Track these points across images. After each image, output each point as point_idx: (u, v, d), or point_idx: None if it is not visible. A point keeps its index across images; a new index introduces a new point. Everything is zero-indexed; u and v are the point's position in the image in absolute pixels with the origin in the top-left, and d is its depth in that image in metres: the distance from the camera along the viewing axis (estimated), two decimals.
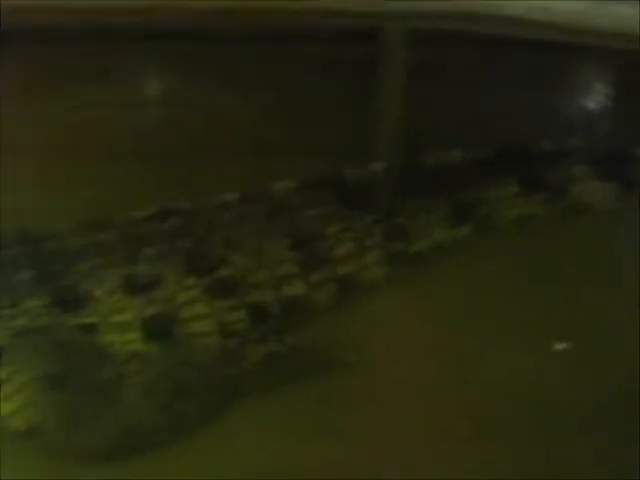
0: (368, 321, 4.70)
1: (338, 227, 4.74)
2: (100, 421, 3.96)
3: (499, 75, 7.02)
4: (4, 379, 3.99)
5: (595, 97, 6.93)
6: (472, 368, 4.43)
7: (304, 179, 4.95)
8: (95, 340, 4.14)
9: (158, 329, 4.22)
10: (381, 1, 7.78)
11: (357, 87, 7.18)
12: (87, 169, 6.04)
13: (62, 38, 7.88)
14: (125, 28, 7.74)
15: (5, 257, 4.25)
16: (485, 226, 5.17)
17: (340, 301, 4.73)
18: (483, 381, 4.35)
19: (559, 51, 7.05)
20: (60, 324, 4.11)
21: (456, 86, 6.90)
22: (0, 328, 4.06)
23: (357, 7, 7.74)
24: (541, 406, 4.19)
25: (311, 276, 4.61)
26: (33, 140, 6.58)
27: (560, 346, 4.48)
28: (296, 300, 4.55)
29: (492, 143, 5.48)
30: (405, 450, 4.02)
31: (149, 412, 4.01)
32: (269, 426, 4.13)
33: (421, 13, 7.61)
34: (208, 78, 7.54)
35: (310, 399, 4.23)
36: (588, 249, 5.12)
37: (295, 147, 6.28)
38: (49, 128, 6.79)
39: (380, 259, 4.85)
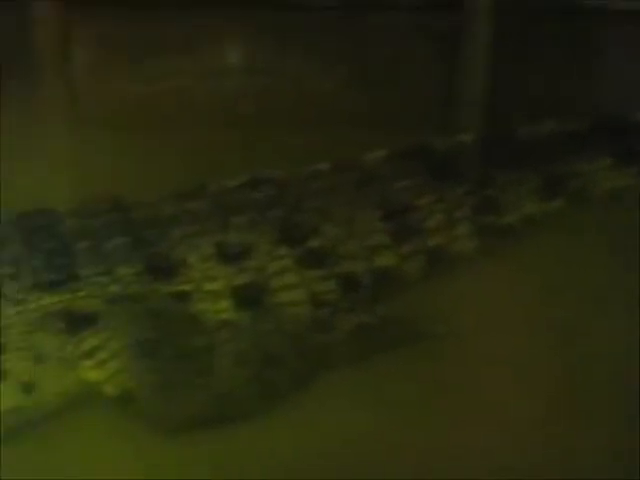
0: (457, 293, 4.68)
1: (429, 199, 4.70)
2: (192, 389, 3.98)
3: (595, 46, 6.90)
4: (98, 345, 4.02)
5: None
6: (562, 339, 4.38)
7: (394, 150, 4.92)
8: (187, 308, 4.15)
9: (249, 298, 4.23)
10: None
11: (446, 57, 7.12)
12: (180, 138, 6.07)
13: (147, 6, 7.93)
14: None
15: (99, 224, 4.28)
16: (577, 199, 5.09)
17: (429, 273, 4.70)
18: (575, 352, 4.31)
19: None
20: (153, 292, 4.13)
21: (550, 58, 6.80)
22: (94, 295, 4.07)
23: None
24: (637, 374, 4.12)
25: (401, 247, 4.58)
26: (122, 110, 6.63)
27: None
28: (386, 271, 4.53)
29: (586, 115, 5.39)
30: (494, 422, 3.99)
31: (240, 381, 4.02)
32: (358, 397, 4.12)
33: None
34: (295, 48, 7.53)
35: (399, 370, 4.20)
36: None
37: (385, 118, 6.25)
38: (140, 97, 6.83)
39: (470, 231, 4.81)
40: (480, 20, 7.69)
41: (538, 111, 5.59)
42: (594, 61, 6.89)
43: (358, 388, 4.15)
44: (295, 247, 4.35)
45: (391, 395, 4.11)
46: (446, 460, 3.80)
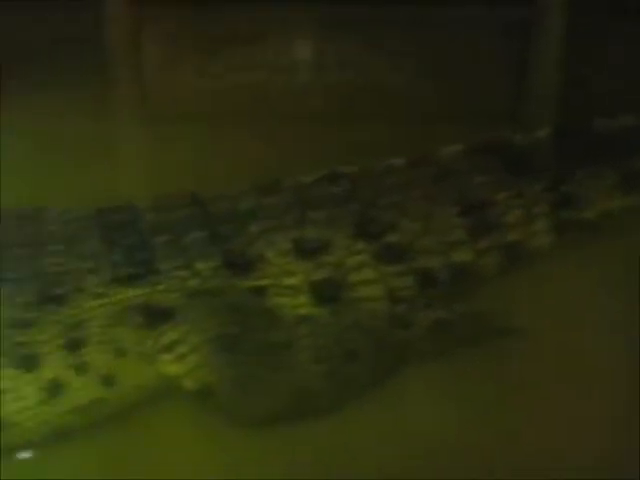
0: (535, 289, 4.64)
1: (506, 194, 4.66)
2: (270, 384, 3.99)
3: None
4: (178, 340, 4.05)
5: None
6: None
7: (471, 145, 4.88)
8: (265, 303, 4.15)
9: (327, 293, 4.22)
10: None
11: (523, 51, 7.06)
12: (254, 133, 6.09)
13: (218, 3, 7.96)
14: None
15: (177, 219, 4.30)
16: None
17: (507, 268, 4.66)
18: None
19: None
20: (231, 286, 4.14)
21: (627, 52, 6.72)
22: (173, 289, 4.10)
23: None
24: None
25: (479, 243, 4.55)
26: (196, 106, 6.67)
27: None
28: (464, 267, 4.50)
29: None
30: (572, 416, 3.96)
31: (318, 376, 4.02)
32: (435, 393, 4.11)
33: None
34: (370, 41, 7.50)
35: (476, 367, 4.18)
36: None
37: (461, 113, 6.22)
38: (213, 92, 6.87)
39: (548, 227, 4.76)
40: (553, 13, 7.61)
41: (615, 106, 5.50)
42: None
43: (435, 384, 4.14)
44: (372, 242, 4.34)
45: (467, 392, 4.10)
46: (521, 458, 3.78)
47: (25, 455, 3.87)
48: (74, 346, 3.94)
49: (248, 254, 4.20)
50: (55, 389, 3.90)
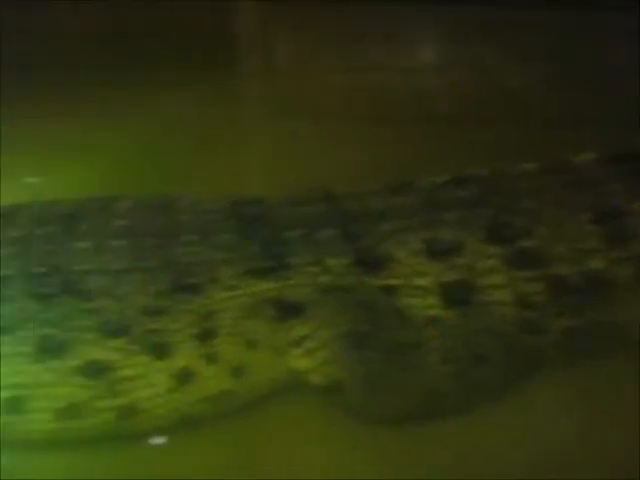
0: None
1: None
2: (399, 383, 3.98)
3: None
4: (307, 335, 4.06)
5: None
6: None
7: (604, 152, 4.79)
8: (395, 302, 4.14)
9: (457, 295, 4.19)
10: None
11: None
12: (384, 132, 6.10)
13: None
14: None
15: (310, 214, 4.31)
16: None
17: None
18: None
19: None
20: (362, 284, 4.13)
21: None
22: (304, 284, 4.11)
23: None
24: None
25: (613, 252, 4.46)
26: (323, 101, 6.69)
27: None
28: (597, 275, 4.41)
29: None
30: None
31: (447, 378, 4.01)
32: (564, 400, 4.06)
33: None
34: (499, 44, 7.45)
35: (607, 376, 4.12)
36: None
37: (593, 119, 6.13)
38: (342, 88, 6.89)
39: None
40: None
41: None
42: None
43: (564, 392, 4.08)
44: (505, 247, 4.28)
45: (598, 400, 4.02)
46: None
47: (156, 441, 3.92)
48: (206, 336, 3.98)
49: (379, 253, 4.19)
50: (185, 378, 3.95)
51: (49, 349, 3.90)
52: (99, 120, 6.69)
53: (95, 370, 3.89)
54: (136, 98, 6.82)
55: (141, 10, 8.51)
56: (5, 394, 3.89)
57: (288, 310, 4.08)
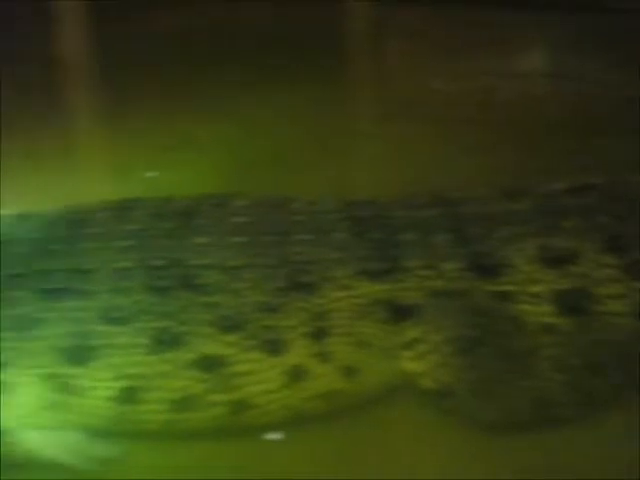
0: None
1: None
2: (510, 390, 3.95)
3: None
4: (419, 338, 4.06)
5: None
6: None
7: None
8: (509, 309, 4.11)
9: (572, 304, 4.15)
10: None
11: None
12: (492, 138, 6.06)
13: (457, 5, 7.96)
14: None
15: (424, 218, 4.30)
16: None
17: None
18: None
19: None
20: (475, 289, 4.11)
21: None
22: (417, 287, 4.11)
23: None
24: None
25: None
26: (431, 105, 6.69)
27: None
28: None
29: None
30: None
31: (560, 386, 3.97)
32: None
33: None
34: (606, 52, 7.36)
35: None
36: None
37: None
38: (451, 94, 6.88)
39: None
40: None
41: None
42: None
43: None
44: (623, 257, 4.23)
45: None
46: None
47: (267, 437, 3.96)
48: (319, 335, 4.00)
49: (494, 258, 4.17)
50: (298, 375, 3.98)
51: (165, 341, 3.97)
52: (228, 117, 6.77)
53: (210, 364, 3.94)
54: (256, 96, 6.89)
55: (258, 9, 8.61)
56: (121, 384, 3.96)
57: (400, 312, 4.08)
